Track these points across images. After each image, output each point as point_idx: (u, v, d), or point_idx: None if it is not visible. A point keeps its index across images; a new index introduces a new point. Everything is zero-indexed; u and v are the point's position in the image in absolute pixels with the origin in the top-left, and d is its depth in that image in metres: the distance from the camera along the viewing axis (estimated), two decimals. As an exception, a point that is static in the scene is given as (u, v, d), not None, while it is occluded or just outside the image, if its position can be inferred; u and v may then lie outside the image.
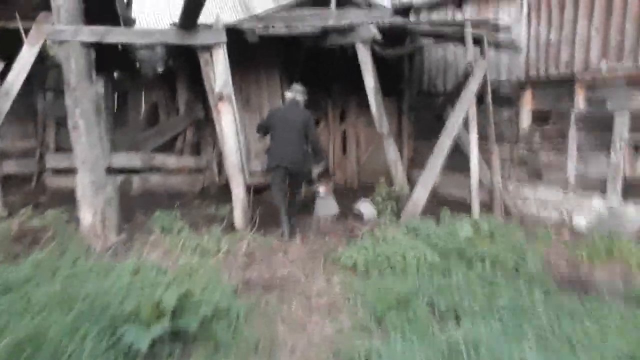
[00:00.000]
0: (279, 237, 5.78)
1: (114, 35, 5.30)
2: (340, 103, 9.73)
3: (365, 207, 6.69)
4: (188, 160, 8.71)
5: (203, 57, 5.90)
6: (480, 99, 7.21)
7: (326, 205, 7.06)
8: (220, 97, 5.82)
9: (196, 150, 8.93)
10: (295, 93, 6.25)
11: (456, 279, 4.12)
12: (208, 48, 5.86)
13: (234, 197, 5.96)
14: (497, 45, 7.22)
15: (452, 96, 8.19)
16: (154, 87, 9.36)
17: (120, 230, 5.63)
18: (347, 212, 7.11)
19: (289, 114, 6.04)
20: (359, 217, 6.71)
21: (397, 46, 8.04)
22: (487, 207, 7.26)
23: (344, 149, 9.88)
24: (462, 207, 7.47)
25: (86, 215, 4.94)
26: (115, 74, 9.47)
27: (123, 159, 8.31)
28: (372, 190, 9.03)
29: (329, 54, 9.35)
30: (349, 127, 9.84)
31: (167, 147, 8.87)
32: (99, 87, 5.30)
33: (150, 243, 5.22)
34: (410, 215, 6.53)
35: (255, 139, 8.30)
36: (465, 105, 6.94)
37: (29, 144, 8.56)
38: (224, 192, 7.28)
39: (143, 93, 9.44)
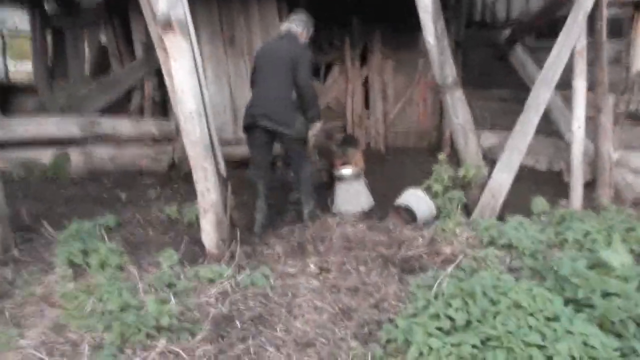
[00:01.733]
0: (280, 267, 3.38)
1: None
2: (360, 40, 7.02)
3: (419, 201, 4.09)
4: (149, 125, 6.08)
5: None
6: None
7: (353, 195, 4.55)
8: (167, 25, 3.21)
9: (162, 110, 6.33)
10: (292, 23, 4.11)
11: None
12: None
13: (199, 198, 3.44)
14: None
15: (525, 27, 5.92)
16: (100, 25, 6.68)
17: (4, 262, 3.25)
18: (383, 201, 4.67)
19: (275, 49, 4.06)
20: (406, 213, 4.17)
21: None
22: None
23: (366, 102, 7.26)
24: (542, 182, 5.47)
25: None
26: (46, 6, 6.75)
27: (53, 126, 5.75)
28: (405, 156, 6.76)
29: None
30: (372, 72, 7.14)
31: (121, 107, 6.27)
32: None
33: (39, 298, 2.80)
34: (488, 213, 4.12)
35: (243, 94, 5.81)
36: (574, 37, 4.34)
37: None
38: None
39: (86, 33, 6.76)
